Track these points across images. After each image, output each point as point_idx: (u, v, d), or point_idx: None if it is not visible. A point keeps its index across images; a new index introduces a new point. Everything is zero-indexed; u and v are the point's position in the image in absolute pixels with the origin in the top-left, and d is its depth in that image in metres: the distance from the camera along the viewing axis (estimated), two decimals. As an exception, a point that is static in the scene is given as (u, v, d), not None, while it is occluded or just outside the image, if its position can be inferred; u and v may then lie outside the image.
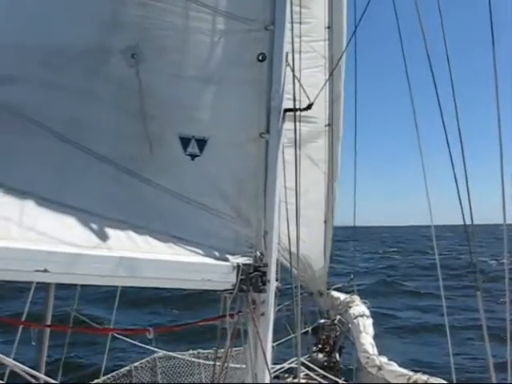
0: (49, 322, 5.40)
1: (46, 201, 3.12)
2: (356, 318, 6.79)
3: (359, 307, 7.09)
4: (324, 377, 6.81)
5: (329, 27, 6.22)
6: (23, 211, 3.03)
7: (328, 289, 7.63)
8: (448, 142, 4.17)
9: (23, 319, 4.95)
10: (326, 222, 6.80)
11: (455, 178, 4.08)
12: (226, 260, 3.55)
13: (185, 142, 3.50)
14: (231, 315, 3.69)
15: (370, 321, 6.76)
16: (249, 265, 3.63)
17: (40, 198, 3.10)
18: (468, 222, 4.21)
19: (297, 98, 3.84)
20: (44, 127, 3.17)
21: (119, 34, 3.46)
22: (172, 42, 3.54)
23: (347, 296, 7.42)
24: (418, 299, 25.52)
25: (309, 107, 3.77)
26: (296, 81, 3.82)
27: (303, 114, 3.90)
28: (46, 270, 2.84)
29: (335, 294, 7.58)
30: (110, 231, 3.22)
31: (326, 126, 6.01)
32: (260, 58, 3.64)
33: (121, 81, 3.40)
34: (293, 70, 3.76)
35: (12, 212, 3.00)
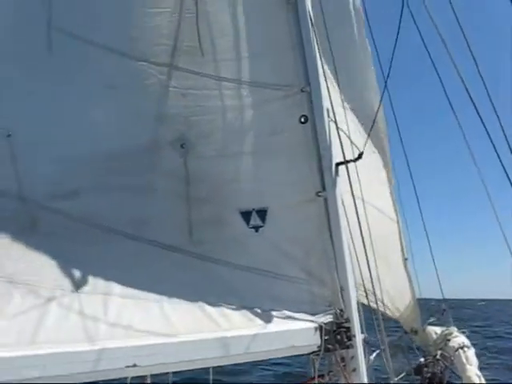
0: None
1: (126, 297, 3.29)
2: (457, 350, 6.47)
3: (458, 338, 6.76)
4: None
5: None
6: (108, 310, 3.22)
7: (422, 325, 7.36)
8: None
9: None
10: (406, 259, 6.65)
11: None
12: (307, 323, 3.56)
13: (246, 216, 3.61)
14: (322, 376, 3.66)
15: (472, 351, 6.42)
16: (331, 323, 3.61)
17: (121, 296, 3.28)
18: None
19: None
20: (115, 231, 3.40)
21: (166, 128, 3.68)
22: (215, 123, 3.72)
23: (444, 329, 7.10)
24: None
25: (359, 157, 3.79)
26: (342, 133, 3.87)
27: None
28: (135, 365, 2.96)
29: (431, 328, 7.28)
30: (188, 315, 3.33)
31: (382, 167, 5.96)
32: (302, 120, 3.74)
33: (174, 171, 3.59)
34: (336, 125, 3.82)
35: (98, 312, 3.20)
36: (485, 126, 4.26)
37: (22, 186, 3.55)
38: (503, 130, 4.24)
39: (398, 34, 3.40)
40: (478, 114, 4.22)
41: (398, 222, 5.78)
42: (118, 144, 3.67)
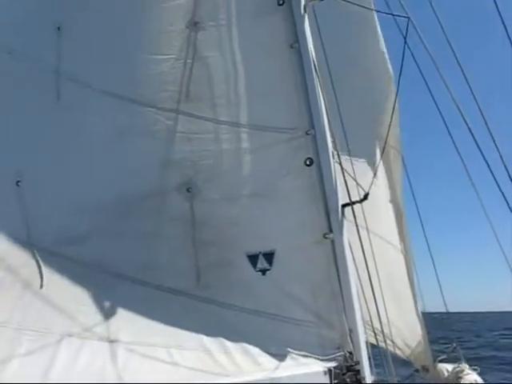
0: None
1: (134, 344, 3.30)
2: (469, 388, 6.36)
3: (470, 375, 6.64)
4: None
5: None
6: (116, 358, 3.23)
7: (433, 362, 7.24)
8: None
9: None
10: (415, 295, 6.59)
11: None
12: (316, 366, 3.53)
13: (253, 259, 3.62)
14: None
15: (483, 388, 6.30)
16: (340, 366, 3.57)
17: (129, 343, 3.29)
18: None
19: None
20: (123, 276, 3.43)
21: (173, 173, 3.74)
22: (221, 167, 3.78)
23: (455, 365, 6.99)
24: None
25: (365, 198, 3.81)
26: (346, 174, 3.89)
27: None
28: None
29: (442, 366, 7.16)
30: (197, 361, 3.32)
31: (389, 201, 5.97)
32: (307, 162, 3.78)
33: (181, 216, 3.63)
34: (341, 166, 3.85)
35: (105, 360, 3.21)
36: (479, 148, 4.28)
37: (30, 233, 3.60)
38: (499, 151, 4.25)
39: (399, 75, 3.45)
40: (473, 136, 4.24)
41: (407, 256, 5.74)
42: (125, 190, 3.73)
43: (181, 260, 3.55)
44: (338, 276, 3.65)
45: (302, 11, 3.98)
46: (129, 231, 3.59)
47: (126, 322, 3.33)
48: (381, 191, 5.81)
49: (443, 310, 7.37)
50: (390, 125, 3.98)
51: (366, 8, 4.08)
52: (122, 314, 3.36)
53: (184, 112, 3.90)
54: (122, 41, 4.04)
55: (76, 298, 3.42)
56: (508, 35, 4.08)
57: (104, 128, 3.88)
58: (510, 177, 3.94)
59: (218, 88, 3.97)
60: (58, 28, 4.02)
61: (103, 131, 3.87)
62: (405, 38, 3.55)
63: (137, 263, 3.50)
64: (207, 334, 3.45)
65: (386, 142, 4.00)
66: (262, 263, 3.63)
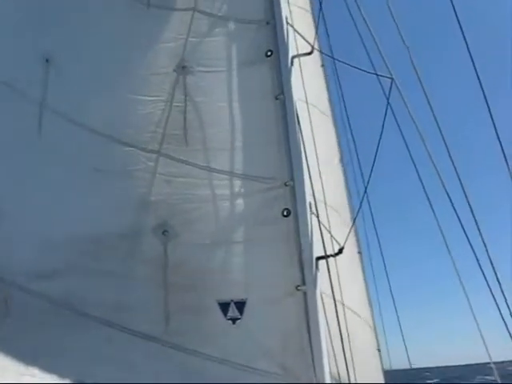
0: None
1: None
2: None
3: None
4: None
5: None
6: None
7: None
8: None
9: None
10: (379, 350, 6.57)
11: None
12: (281, 422, 3.46)
13: (224, 307, 3.58)
14: None
15: None
16: (306, 421, 3.52)
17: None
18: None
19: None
20: (90, 316, 3.34)
21: (149, 214, 3.71)
22: (199, 212, 3.77)
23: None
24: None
25: (340, 251, 3.82)
26: (324, 228, 3.91)
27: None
28: None
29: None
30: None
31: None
32: (285, 213, 3.79)
33: (155, 258, 3.59)
34: (318, 219, 3.87)
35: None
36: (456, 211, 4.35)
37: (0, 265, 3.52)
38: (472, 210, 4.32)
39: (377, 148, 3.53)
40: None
41: (371, 321, 5.76)
42: (99, 228, 3.69)
43: (151, 303, 3.49)
44: (309, 329, 3.62)
45: (289, 64, 4.07)
46: (100, 270, 3.53)
47: (89, 366, 3.24)
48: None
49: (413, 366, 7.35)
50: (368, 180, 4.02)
51: (351, 66, 4.17)
52: (86, 358, 3.27)
53: (165, 154, 3.91)
54: (110, 78, 4.07)
55: (38, 338, 3.32)
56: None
57: (82, 164, 3.86)
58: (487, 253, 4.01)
59: (200, 133, 4.00)
60: (47, 60, 4.04)
61: (81, 167, 3.85)
62: (387, 99, 3.64)
63: (105, 304, 3.43)
64: (170, 381, 3.37)
65: (362, 198, 4.04)
66: (232, 312, 3.59)
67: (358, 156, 5.72)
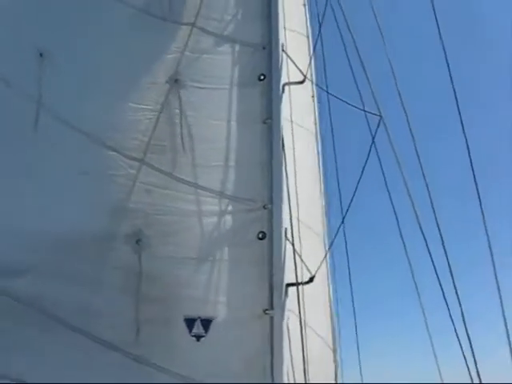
0: None
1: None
2: None
3: None
4: None
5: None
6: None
7: None
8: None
9: None
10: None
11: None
12: None
13: (190, 323, 3.57)
14: None
15: None
16: None
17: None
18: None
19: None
20: (59, 319, 3.30)
21: (124, 221, 3.70)
22: (176, 226, 3.77)
23: None
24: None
25: (311, 280, 3.86)
26: (297, 255, 3.95)
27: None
28: None
29: None
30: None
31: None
32: (260, 236, 3.82)
33: (127, 267, 3.57)
34: (293, 246, 3.91)
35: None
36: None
37: None
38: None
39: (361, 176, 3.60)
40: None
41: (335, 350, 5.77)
42: (72, 229, 3.65)
43: (119, 312, 3.46)
44: (272, 353, 3.63)
45: (280, 91, 4.14)
46: (70, 273, 3.49)
47: (53, 370, 3.21)
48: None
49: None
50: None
51: (340, 100, 4.27)
52: (51, 362, 3.24)
53: (148, 163, 3.91)
54: (103, 80, 4.07)
55: (6, 335, 3.26)
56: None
57: (64, 163, 3.83)
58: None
59: (185, 147, 4.01)
60: (41, 54, 4.01)
61: (62, 166, 3.81)
62: (373, 138, 3.71)
63: (74, 308, 3.39)
64: None
65: (337, 230, 4.10)
66: (198, 328, 3.58)
67: (339, 186, 5.74)
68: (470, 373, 4.04)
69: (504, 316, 4.19)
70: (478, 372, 4.02)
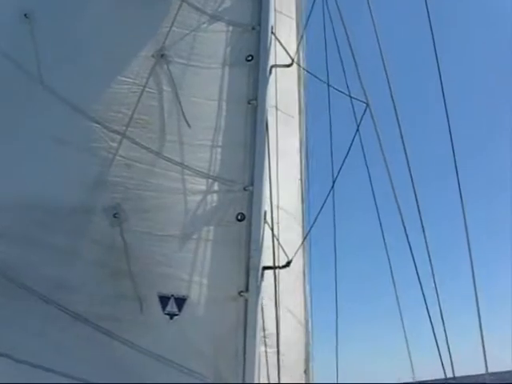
0: None
1: (26, 364, 3.09)
2: None
3: None
4: None
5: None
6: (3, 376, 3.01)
7: None
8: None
9: None
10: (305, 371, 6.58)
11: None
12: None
13: (164, 300, 3.53)
14: None
15: None
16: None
17: (20, 362, 3.08)
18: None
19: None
20: (29, 289, 3.22)
21: (103, 194, 3.62)
22: (154, 202, 3.70)
23: None
24: None
25: (287, 264, 3.84)
26: (275, 239, 3.93)
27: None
28: None
29: None
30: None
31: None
32: (239, 217, 3.78)
33: (102, 240, 3.50)
34: (271, 229, 3.89)
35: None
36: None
37: None
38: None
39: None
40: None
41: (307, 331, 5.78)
42: (50, 198, 3.55)
43: (92, 286, 3.40)
44: (245, 337, 3.61)
45: (268, 73, 4.09)
46: (45, 243, 3.40)
47: (22, 339, 3.15)
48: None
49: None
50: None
51: (327, 84, 4.23)
52: (21, 330, 3.17)
53: (129, 137, 3.83)
54: (88, 50, 3.96)
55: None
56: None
57: (45, 131, 3.72)
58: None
59: (168, 123, 3.94)
60: (25, 15, 3.88)
61: (44, 135, 3.71)
62: (358, 126, 3.69)
63: (46, 278, 3.31)
64: (104, 369, 3.29)
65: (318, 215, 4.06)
66: (171, 307, 3.54)
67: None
68: (442, 364, 4.07)
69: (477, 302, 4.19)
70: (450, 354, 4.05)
